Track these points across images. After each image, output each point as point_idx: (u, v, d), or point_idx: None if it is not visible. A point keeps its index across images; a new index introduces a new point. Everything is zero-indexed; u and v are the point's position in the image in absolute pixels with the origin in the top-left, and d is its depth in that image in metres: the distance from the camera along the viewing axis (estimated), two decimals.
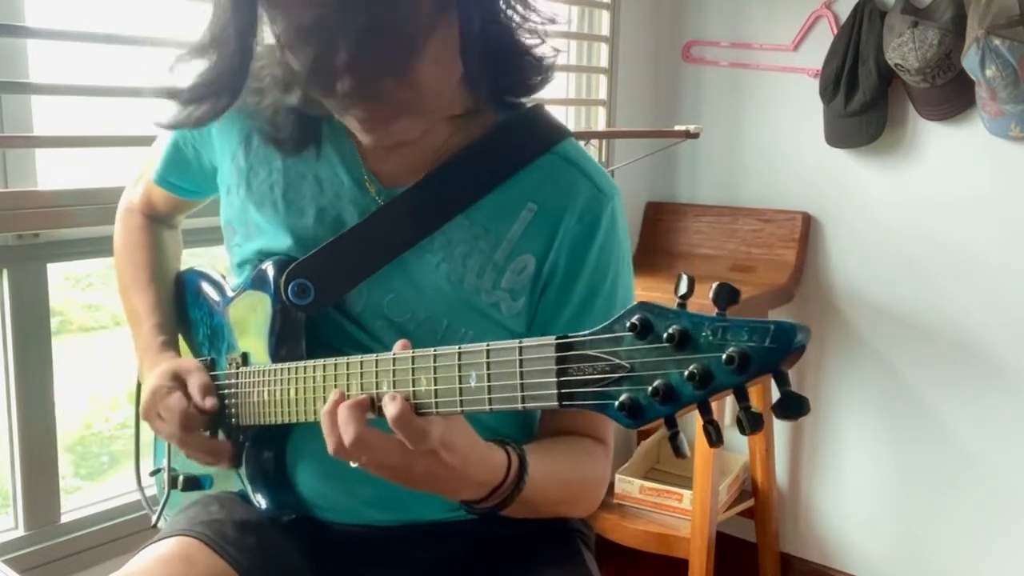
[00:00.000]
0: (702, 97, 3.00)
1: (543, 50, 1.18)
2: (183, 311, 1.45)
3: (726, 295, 0.73)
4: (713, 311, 0.74)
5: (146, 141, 1.50)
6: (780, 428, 2.92)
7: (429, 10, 0.97)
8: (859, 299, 2.78)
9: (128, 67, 1.77)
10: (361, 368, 1.01)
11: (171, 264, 1.51)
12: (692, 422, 0.84)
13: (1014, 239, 2.50)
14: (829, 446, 2.89)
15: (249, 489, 1.25)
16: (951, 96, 2.49)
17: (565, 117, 2.84)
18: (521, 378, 0.85)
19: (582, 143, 1.27)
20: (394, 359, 0.97)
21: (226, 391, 1.28)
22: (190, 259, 1.56)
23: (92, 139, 1.81)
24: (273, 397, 1.17)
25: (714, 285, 0.73)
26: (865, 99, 2.56)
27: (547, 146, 1.21)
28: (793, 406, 0.71)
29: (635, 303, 0.78)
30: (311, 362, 1.10)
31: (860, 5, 2.58)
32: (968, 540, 2.68)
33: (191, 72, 1.08)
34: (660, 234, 3.04)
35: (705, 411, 0.75)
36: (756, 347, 0.70)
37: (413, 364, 0.95)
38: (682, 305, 0.76)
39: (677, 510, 2.68)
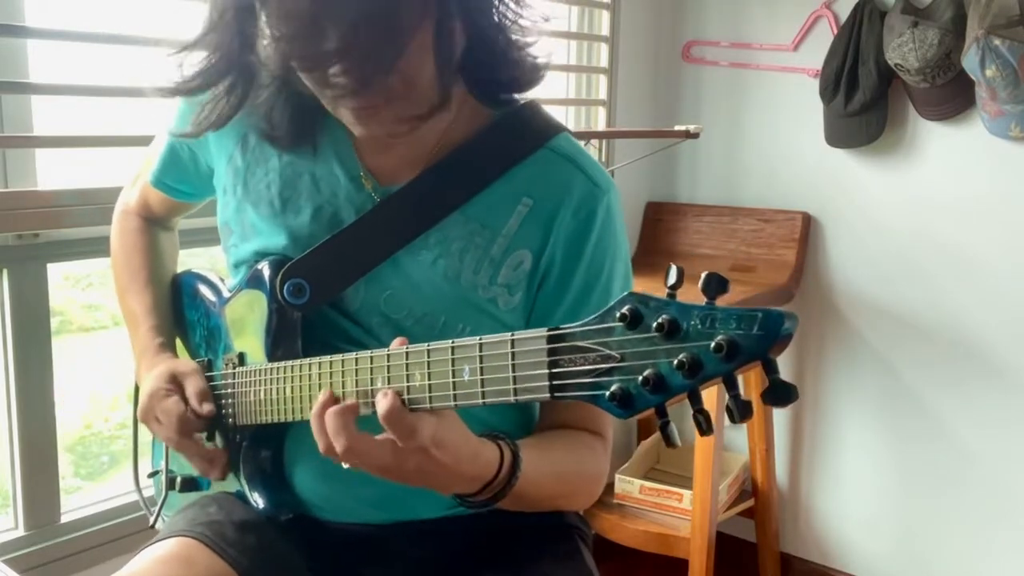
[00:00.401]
0: (702, 97, 3.00)
1: (536, 48, 1.18)
2: (180, 313, 1.45)
3: (715, 285, 0.73)
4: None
5: (146, 141, 1.50)
6: (780, 428, 2.92)
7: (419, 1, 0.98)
8: (859, 299, 2.78)
9: (128, 67, 1.77)
10: (356, 365, 1.01)
11: (168, 266, 1.51)
12: (688, 418, 0.84)
13: (1014, 239, 2.50)
14: (829, 446, 2.89)
15: (247, 489, 1.25)
16: (951, 96, 2.49)
17: (565, 117, 2.84)
18: (513, 371, 0.85)
19: (582, 143, 1.27)
20: (388, 355, 0.98)
21: (223, 391, 1.28)
22: (189, 259, 1.56)
23: (92, 139, 1.81)
24: (269, 396, 1.17)
25: (703, 275, 0.74)
26: (865, 99, 2.57)
27: (542, 141, 1.21)
28: (781, 393, 0.71)
29: (626, 293, 0.78)
30: (306, 360, 1.10)
31: (860, 5, 2.58)
32: (968, 540, 2.68)
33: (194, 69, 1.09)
34: (660, 234, 3.05)
35: (695, 400, 0.75)
36: (744, 335, 0.71)
37: (407, 360, 0.95)
38: (672, 295, 0.76)
39: (677, 510, 2.67)
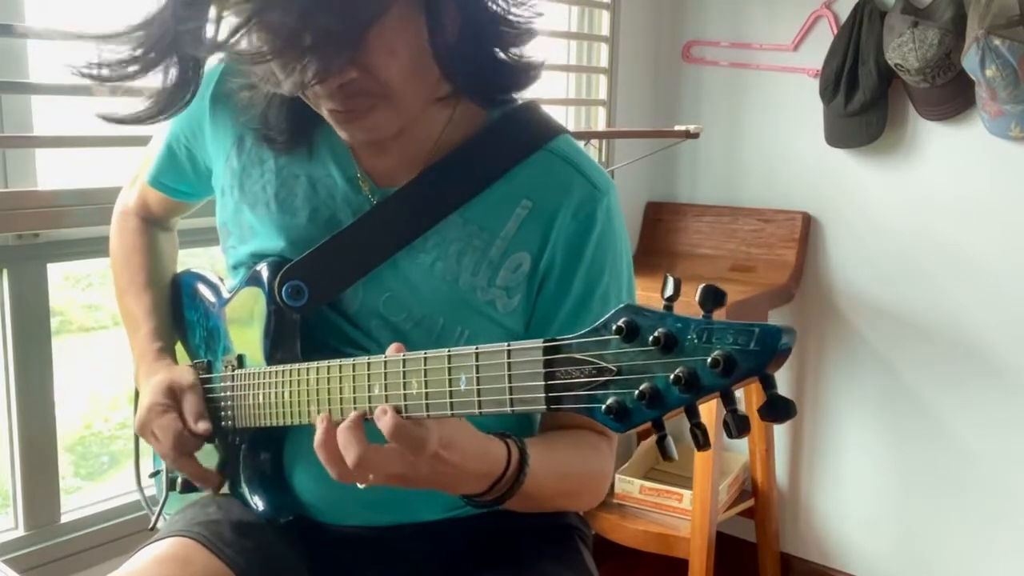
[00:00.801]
0: (702, 97, 3.00)
1: (531, 47, 1.17)
2: (179, 313, 1.45)
3: (712, 298, 0.73)
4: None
5: (145, 141, 1.49)
6: (780, 428, 2.92)
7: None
8: (859, 299, 2.78)
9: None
10: (353, 371, 1.01)
11: (167, 267, 1.51)
12: (686, 423, 0.84)
13: (1014, 239, 2.50)
14: (829, 446, 2.89)
15: (246, 491, 1.25)
16: (951, 96, 2.49)
17: (565, 117, 2.84)
18: (510, 381, 0.85)
19: (582, 143, 1.26)
20: (385, 362, 0.97)
21: (222, 394, 1.28)
22: (189, 259, 1.56)
23: (92, 139, 1.81)
24: (268, 400, 1.17)
25: (700, 288, 0.73)
26: (865, 99, 2.56)
27: (541, 142, 1.21)
28: (779, 409, 0.71)
29: (622, 305, 0.78)
30: (304, 365, 1.10)
31: (860, 5, 2.58)
32: (968, 540, 2.68)
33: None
34: (660, 234, 3.04)
35: (692, 414, 0.75)
36: (741, 350, 0.70)
37: (404, 367, 0.95)
38: (668, 307, 0.76)
39: (677, 510, 2.68)
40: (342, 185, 1.21)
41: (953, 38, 2.37)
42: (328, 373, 1.05)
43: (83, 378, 2.08)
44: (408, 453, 0.94)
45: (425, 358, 0.93)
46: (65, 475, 1.91)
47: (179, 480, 1.35)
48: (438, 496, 1.05)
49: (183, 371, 1.30)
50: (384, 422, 0.93)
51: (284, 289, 1.18)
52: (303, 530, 1.25)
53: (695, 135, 2.48)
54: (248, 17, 0.94)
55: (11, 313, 1.73)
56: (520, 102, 1.24)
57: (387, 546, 1.26)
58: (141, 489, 1.53)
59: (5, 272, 1.72)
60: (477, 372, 0.88)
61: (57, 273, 1.88)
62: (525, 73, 1.18)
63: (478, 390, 0.88)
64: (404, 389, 0.95)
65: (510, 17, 1.12)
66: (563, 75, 2.82)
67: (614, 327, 0.77)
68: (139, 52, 1.02)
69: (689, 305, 0.72)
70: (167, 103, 1.09)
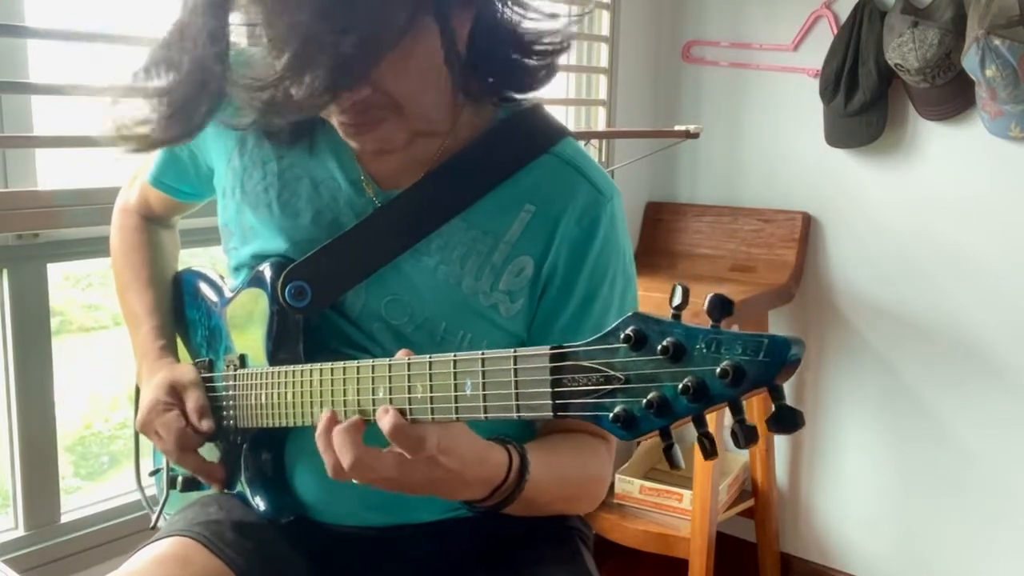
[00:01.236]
0: (702, 97, 3.00)
1: (546, 44, 1.17)
2: (181, 312, 1.45)
3: (720, 307, 0.73)
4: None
5: None
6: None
7: (402, 21, 0.98)
8: (859, 299, 2.78)
9: (128, 67, 1.76)
10: (357, 374, 1.01)
11: (169, 265, 1.51)
12: (690, 427, 0.84)
13: (1014, 239, 2.50)
14: (829, 446, 2.89)
15: (248, 491, 1.25)
16: (951, 96, 2.49)
17: (565, 117, 2.83)
18: (516, 387, 0.85)
19: (582, 143, 1.26)
20: (390, 365, 0.97)
21: (224, 393, 1.28)
22: (189, 259, 1.56)
23: (92, 139, 1.79)
24: (270, 400, 1.17)
25: (708, 297, 0.73)
26: (865, 99, 2.56)
27: (545, 147, 1.21)
28: (788, 420, 0.71)
29: (630, 314, 0.78)
30: (308, 366, 1.10)
31: (860, 5, 2.58)
32: (968, 540, 2.68)
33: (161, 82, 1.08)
34: (660, 234, 3.04)
35: (700, 424, 0.75)
36: (750, 360, 0.70)
37: (409, 371, 0.95)
38: (676, 316, 0.76)
39: (677, 510, 2.68)
40: (345, 187, 1.21)
41: (953, 38, 2.37)
42: (332, 375, 1.05)
43: (83, 378, 2.08)
44: (405, 453, 0.94)
45: (430, 362, 0.93)
46: (65, 475, 1.91)
47: (180, 479, 1.35)
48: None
49: (185, 369, 1.30)
50: (384, 421, 0.93)
51: (287, 290, 1.18)
52: (304, 530, 1.25)
53: (695, 135, 2.48)
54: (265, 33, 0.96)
55: (11, 313, 1.73)
56: (525, 105, 1.24)
57: (388, 547, 1.26)
58: (141, 488, 1.53)
59: (5, 272, 1.72)
60: (483, 378, 0.88)
61: (57, 273, 1.88)
62: (540, 73, 1.18)
63: (484, 396, 0.88)
64: (409, 393, 0.95)
65: (525, 23, 1.13)
66: (563, 75, 2.81)
67: (622, 335, 0.77)
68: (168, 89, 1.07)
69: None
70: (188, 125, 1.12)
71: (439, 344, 1.18)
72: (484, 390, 0.88)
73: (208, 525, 1.23)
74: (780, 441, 2.94)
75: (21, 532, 1.79)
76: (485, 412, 0.88)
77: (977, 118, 2.48)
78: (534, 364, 0.84)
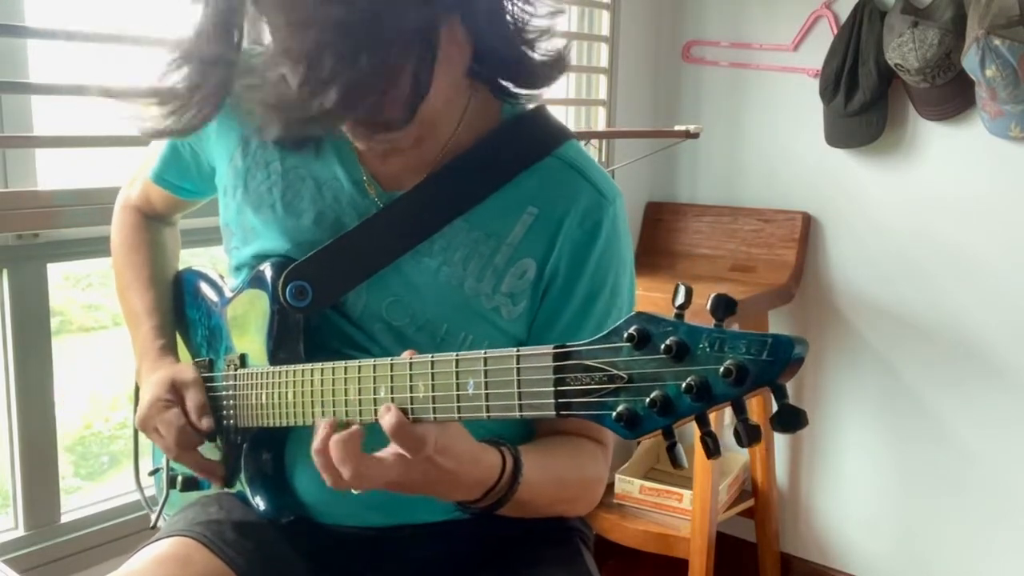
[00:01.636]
0: (702, 97, 3.00)
1: (552, 43, 1.18)
2: (181, 311, 1.45)
3: (723, 306, 0.73)
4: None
5: (145, 141, 1.49)
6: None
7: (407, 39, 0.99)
8: (859, 299, 2.78)
9: (128, 67, 1.76)
10: (359, 373, 1.01)
11: (170, 263, 1.51)
12: (691, 428, 0.85)
13: (1014, 239, 2.50)
14: (829, 446, 2.89)
15: (248, 491, 1.25)
16: (951, 96, 2.49)
17: (565, 117, 2.83)
18: (519, 387, 0.85)
19: (582, 143, 1.26)
20: (392, 365, 0.97)
21: (224, 393, 1.28)
22: (189, 259, 1.56)
23: (92, 139, 1.80)
24: (271, 400, 1.17)
25: (711, 296, 0.73)
26: (865, 99, 2.56)
27: (549, 149, 1.21)
28: (791, 419, 0.71)
29: (633, 313, 0.78)
30: (309, 366, 1.10)
31: (860, 5, 2.58)
32: (968, 540, 2.68)
33: (173, 77, 1.08)
34: (660, 234, 3.04)
35: (703, 423, 0.75)
36: (754, 360, 0.70)
37: (411, 370, 0.95)
38: (679, 315, 0.76)
39: (677, 510, 2.68)
40: (348, 188, 1.21)
41: (953, 38, 2.37)
42: (333, 375, 1.05)
43: (83, 378, 2.08)
44: (405, 453, 0.94)
45: (432, 362, 0.93)
46: (65, 475, 1.91)
47: (179, 478, 1.35)
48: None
49: (186, 368, 1.31)
50: (387, 419, 0.93)
51: (288, 289, 1.18)
52: (304, 531, 1.25)
53: (695, 135, 2.48)
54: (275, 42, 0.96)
55: (11, 313, 1.73)
56: (529, 107, 1.24)
57: (388, 547, 1.26)
58: (140, 489, 1.53)
59: (5, 272, 1.71)
60: (485, 377, 0.88)
61: (57, 273, 1.87)
62: (547, 70, 1.19)
63: (486, 395, 0.88)
64: (410, 392, 0.95)
65: (533, 24, 1.13)
66: (563, 75, 2.80)
67: (625, 334, 0.77)
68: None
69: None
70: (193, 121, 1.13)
71: (440, 345, 1.18)
72: (487, 389, 0.88)
73: (209, 525, 1.23)
74: (780, 441, 2.94)
75: (21, 532, 1.79)
76: (488, 411, 0.88)
77: (977, 118, 2.48)
78: (537, 363, 0.84)
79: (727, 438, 2.89)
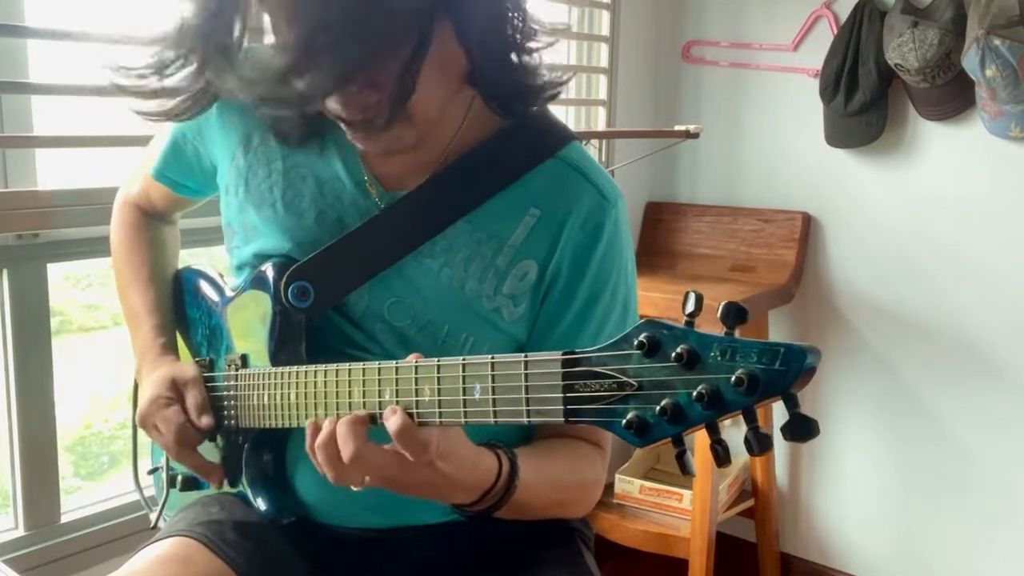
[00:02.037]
0: (702, 97, 3.00)
1: (548, 66, 1.17)
2: (181, 310, 1.45)
3: (734, 315, 0.73)
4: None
5: (145, 141, 1.49)
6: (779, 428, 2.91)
7: (410, 32, 0.98)
8: (859, 299, 2.78)
9: (127, 55, 1.76)
10: (363, 375, 1.01)
11: (170, 262, 1.50)
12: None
13: (1014, 239, 2.50)
14: (829, 446, 2.89)
15: (249, 491, 1.25)
16: (951, 96, 2.49)
17: (565, 117, 2.83)
18: (526, 392, 0.85)
19: (582, 143, 1.26)
20: (397, 367, 0.97)
21: (225, 393, 1.27)
22: (189, 259, 1.56)
23: (92, 139, 1.80)
24: (273, 401, 1.17)
25: (721, 304, 0.73)
26: (865, 99, 2.56)
27: (551, 151, 1.21)
28: (802, 428, 0.71)
29: (643, 320, 0.78)
30: (312, 367, 1.10)
31: (860, 5, 2.58)
32: (968, 540, 2.68)
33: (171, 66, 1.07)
34: (660, 234, 3.04)
35: (713, 431, 0.75)
36: (766, 369, 0.70)
37: (416, 374, 0.95)
38: (690, 323, 0.76)
39: (677, 510, 2.68)
40: (350, 188, 1.21)
41: (953, 38, 2.37)
42: (336, 376, 1.05)
43: (83, 378, 2.08)
44: (409, 455, 0.94)
45: (438, 365, 0.93)
46: (65, 475, 1.91)
47: (179, 477, 1.35)
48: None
49: (186, 366, 1.30)
50: (392, 421, 0.93)
51: (290, 290, 1.18)
52: (305, 532, 1.25)
53: (695, 135, 2.48)
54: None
55: (11, 313, 1.72)
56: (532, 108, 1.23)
57: (389, 548, 1.26)
58: (140, 489, 1.53)
59: (5, 272, 1.71)
60: (492, 382, 0.88)
61: (57, 273, 1.87)
62: (546, 90, 1.18)
63: (493, 400, 0.88)
64: (416, 396, 0.95)
65: (531, 44, 1.13)
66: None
67: (635, 341, 0.77)
68: (168, 57, 1.05)
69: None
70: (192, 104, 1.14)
71: (441, 347, 1.18)
72: (494, 394, 0.88)
73: (210, 525, 1.23)
74: (780, 441, 2.93)
75: (21, 532, 1.79)
76: (494, 416, 0.88)
77: (977, 118, 2.48)
78: (545, 369, 0.84)
79: (728, 437, 2.90)
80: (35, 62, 1.69)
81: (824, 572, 2.95)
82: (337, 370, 1.05)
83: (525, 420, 0.85)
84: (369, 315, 1.20)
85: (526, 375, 0.85)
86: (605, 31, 2.83)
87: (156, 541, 1.22)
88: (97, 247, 1.77)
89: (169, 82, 1.08)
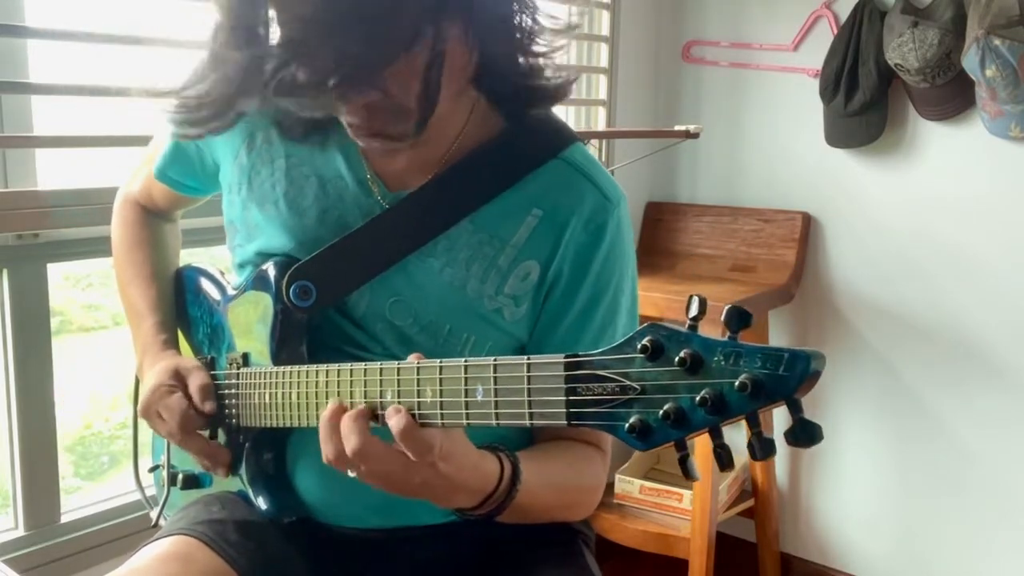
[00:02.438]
0: (702, 97, 3.00)
1: (555, 69, 1.17)
2: (182, 308, 1.45)
3: (738, 319, 0.73)
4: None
5: (146, 141, 1.49)
6: (780, 428, 2.91)
7: (410, 31, 0.98)
8: (859, 299, 2.78)
9: (129, 67, 1.76)
10: (365, 376, 1.01)
11: (171, 260, 1.50)
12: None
13: (1014, 239, 2.50)
14: (829, 446, 2.89)
15: (250, 490, 1.25)
16: (951, 96, 2.49)
17: (565, 117, 2.82)
18: (529, 395, 0.85)
19: (585, 144, 1.26)
20: (399, 368, 0.97)
21: (226, 391, 1.27)
22: (188, 259, 1.56)
23: (92, 139, 1.80)
24: (275, 400, 1.17)
25: (725, 308, 0.73)
26: (865, 99, 2.56)
27: (554, 151, 1.20)
28: (806, 434, 0.71)
29: (646, 324, 0.77)
30: (314, 367, 1.10)
31: (860, 5, 2.58)
32: (968, 540, 2.68)
33: (197, 80, 1.07)
34: (660, 234, 3.04)
35: (716, 435, 0.75)
36: (770, 374, 0.70)
37: (418, 375, 0.95)
38: (693, 327, 0.75)
39: (677, 510, 2.68)
40: (352, 187, 1.21)
41: (953, 38, 2.37)
42: (338, 376, 1.05)
43: (83, 378, 2.08)
44: (412, 456, 0.93)
45: (441, 366, 0.93)
46: (65, 475, 1.91)
47: (180, 476, 1.35)
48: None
49: (188, 358, 1.31)
50: (395, 421, 0.93)
51: (292, 289, 1.18)
52: (306, 531, 1.25)
53: (695, 135, 2.48)
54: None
55: (11, 313, 1.72)
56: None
57: (390, 548, 1.26)
58: (140, 487, 1.53)
59: (5, 272, 1.71)
60: (495, 384, 0.88)
61: (57, 273, 1.87)
62: (554, 93, 1.19)
63: (496, 402, 0.87)
64: (418, 396, 0.94)
65: (537, 47, 1.13)
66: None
67: (639, 345, 0.77)
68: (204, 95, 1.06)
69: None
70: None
71: (442, 346, 1.18)
72: (496, 396, 0.88)
73: (211, 524, 1.23)
74: (780, 442, 2.93)
75: (21, 532, 1.79)
76: (497, 419, 0.88)
77: (977, 118, 2.48)
78: (548, 372, 0.83)
79: (728, 437, 2.90)
80: (35, 62, 1.69)
81: (824, 572, 2.95)
82: (339, 370, 1.05)
83: (527, 423, 0.85)
84: (370, 314, 1.20)
85: (528, 377, 0.85)
86: (605, 31, 2.83)
87: (157, 539, 1.22)
88: (97, 247, 1.77)
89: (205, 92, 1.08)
